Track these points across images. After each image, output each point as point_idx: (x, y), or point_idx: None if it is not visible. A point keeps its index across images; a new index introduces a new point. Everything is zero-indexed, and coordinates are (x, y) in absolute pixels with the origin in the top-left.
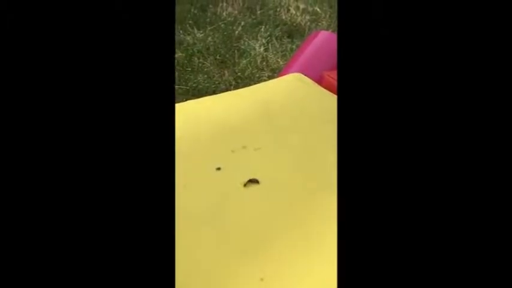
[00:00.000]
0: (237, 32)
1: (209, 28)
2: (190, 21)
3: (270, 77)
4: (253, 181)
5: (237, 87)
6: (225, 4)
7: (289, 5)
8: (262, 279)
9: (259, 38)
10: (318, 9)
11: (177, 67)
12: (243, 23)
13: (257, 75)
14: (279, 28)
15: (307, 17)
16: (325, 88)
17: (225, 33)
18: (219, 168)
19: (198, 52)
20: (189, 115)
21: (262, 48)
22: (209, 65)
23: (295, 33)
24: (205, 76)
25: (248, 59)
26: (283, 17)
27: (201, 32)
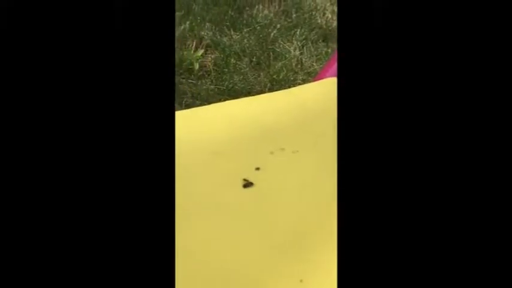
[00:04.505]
0: (272, 34)
1: (245, 30)
2: (227, 23)
3: (304, 80)
4: (248, 185)
5: (271, 89)
6: (261, 6)
7: (325, 9)
8: (301, 281)
9: (294, 41)
10: None
11: (213, 67)
12: (278, 26)
13: (292, 78)
14: (314, 32)
15: None
16: None
17: (261, 35)
18: (258, 169)
19: (234, 54)
20: (229, 115)
21: (297, 52)
22: (245, 66)
23: (330, 37)
24: (241, 77)
25: (283, 62)
26: (319, 21)
27: (238, 33)
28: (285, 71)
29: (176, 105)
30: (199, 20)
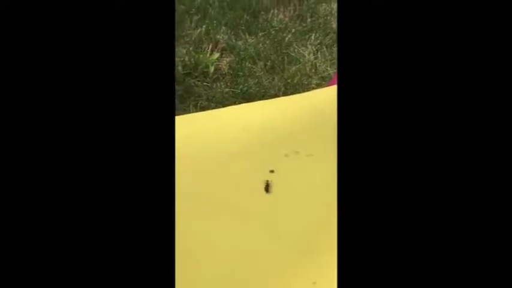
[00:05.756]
0: (287, 38)
1: (260, 34)
2: (242, 27)
3: (318, 85)
4: (268, 187)
5: (285, 93)
6: (276, 11)
7: None
8: (314, 283)
9: (309, 46)
10: None
11: (228, 71)
12: (293, 30)
13: (306, 83)
14: (329, 36)
15: None
16: None
17: (276, 39)
18: (272, 171)
19: (249, 57)
20: (244, 118)
21: (311, 56)
22: (259, 70)
23: None
24: (256, 81)
25: (297, 66)
26: (334, 26)
27: (253, 37)
28: (299, 75)
29: (191, 107)
30: (215, 24)
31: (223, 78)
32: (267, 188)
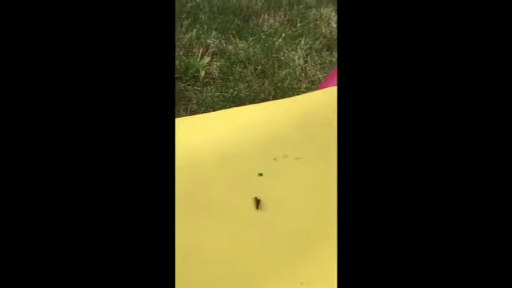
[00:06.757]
0: (277, 43)
1: (251, 39)
2: (233, 32)
3: (308, 89)
4: (259, 204)
5: (275, 97)
6: (266, 16)
7: (329, 19)
8: (302, 283)
9: (299, 50)
10: None
11: (219, 75)
12: (283, 35)
13: (296, 87)
14: (318, 41)
15: None
16: None
17: (266, 44)
18: (261, 174)
19: (239, 61)
20: (234, 121)
21: (301, 60)
22: (249, 74)
23: (334, 47)
24: (246, 85)
25: (287, 70)
26: (323, 30)
27: (243, 42)
28: (289, 80)
29: (181, 111)
30: (205, 28)
31: (214, 82)
32: (257, 205)
